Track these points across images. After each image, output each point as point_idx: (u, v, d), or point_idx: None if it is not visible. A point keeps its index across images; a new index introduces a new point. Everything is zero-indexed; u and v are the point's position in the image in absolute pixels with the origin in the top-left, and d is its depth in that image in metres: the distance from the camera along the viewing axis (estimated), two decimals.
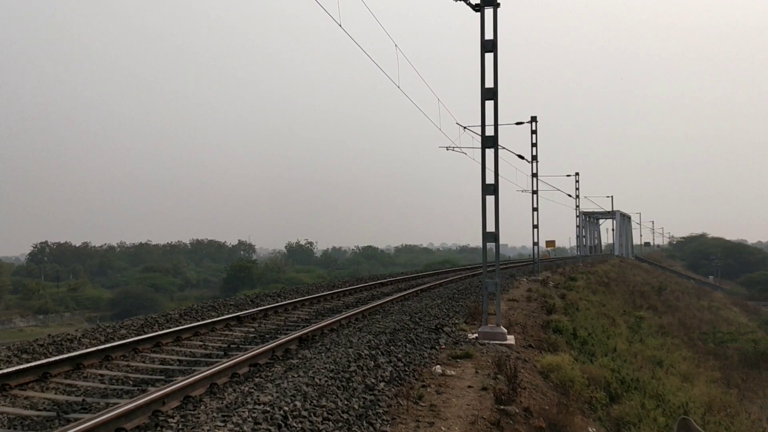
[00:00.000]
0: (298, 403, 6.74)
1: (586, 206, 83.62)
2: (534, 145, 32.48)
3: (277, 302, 17.05)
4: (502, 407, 8.16)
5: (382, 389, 8.00)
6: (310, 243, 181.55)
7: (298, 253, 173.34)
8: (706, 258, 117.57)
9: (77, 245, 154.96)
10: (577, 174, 52.83)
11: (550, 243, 47.71)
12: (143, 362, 9.59)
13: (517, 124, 31.10)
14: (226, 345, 11.10)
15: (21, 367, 8.05)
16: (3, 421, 6.54)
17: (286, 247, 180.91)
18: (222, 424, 5.97)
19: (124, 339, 10.76)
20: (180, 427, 6.17)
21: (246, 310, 15.07)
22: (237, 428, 5.84)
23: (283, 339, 10.44)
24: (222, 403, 7.00)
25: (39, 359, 9.03)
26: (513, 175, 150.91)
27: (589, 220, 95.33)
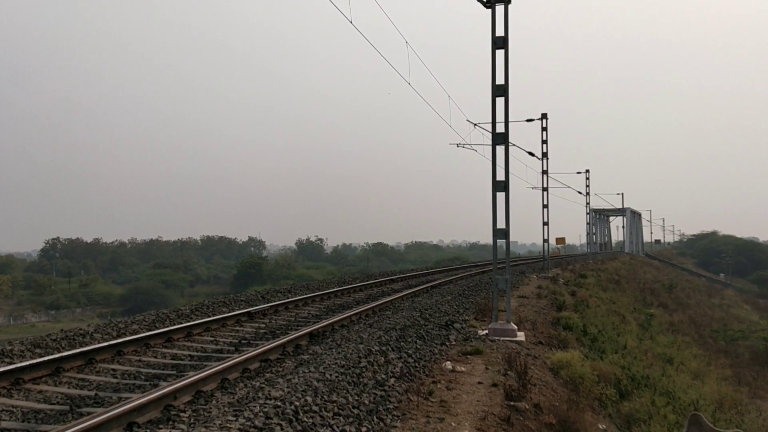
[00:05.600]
0: (309, 399, 6.76)
1: (597, 203, 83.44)
2: (544, 142, 32.39)
3: (288, 298, 17.10)
4: (512, 403, 8.16)
5: (393, 385, 8.01)
6: (320, 240, 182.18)
7: (308, 249, 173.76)
8: (717, 255, 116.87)
9: (88, 241, 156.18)
10: (587, 171, 52.67)
11: (560, 240, 47.60)
12: (155, 357, 9.65)
13: (528, 121, 31.02)
14: (237, 340, 11.15)
15: (34, 361, 8.12)
16: (17, 415, 6.60)
17: (296, 243, 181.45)
18: (233, 419, 6.00)
19: (135, 334, 10.82)
20: (192, 421, 6.21)
21: (256, 306, 15.12)
22: (248, 423, 5.86)
23: (293, 335, 10.47)
24: (233, 397, 7.03)
25: (52, 354, 9.10)
26: (523, 172, 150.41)
27: (599, 217, 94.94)
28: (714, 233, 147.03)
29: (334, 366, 8.34)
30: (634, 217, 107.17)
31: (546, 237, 34.55)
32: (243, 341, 11.08)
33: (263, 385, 7.49)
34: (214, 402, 6.91)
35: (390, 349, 9.93)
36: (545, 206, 33.49)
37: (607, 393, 11.41)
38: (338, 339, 10.84)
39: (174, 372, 8.62)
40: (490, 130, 12.94)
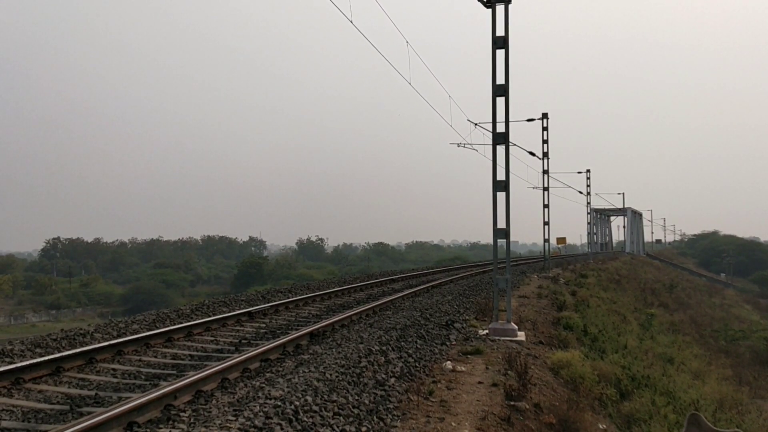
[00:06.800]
0: (309, 398, 6.76)
1: (598, 203, 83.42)
2: (545, 141, 32.40)
3: (288, 298, 17.09)
4: (512, 403, 8.16)
5: (393, 385, 8.01)
6: (321, 239, 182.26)
7: (309, 249, 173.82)
8: (718, 255, 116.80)
9: (89, 241, 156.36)
10: (588, 171, 52.67)
11: (561, 240, 47.61)
12: (155, 357, 9.65)
13: (528, 120, 31.03)
14: (237, 340, 11.15)
15: (34, 361, 8.12)
16: (17, 415, 6.60)
17: (297, 243, 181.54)
18: (233, 419, 6.00)
19: (136, 334, 10.82)
20: (192, 421, 6.21)
21: (257, 305, 15.12)
22: (248, 422, 5.87)
23: (294, 334, 10.47)
24: (233, 397, 7.03)
25: (52, 353, 9.11)
26: (524, 172, 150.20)
27: (600, 217, 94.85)
28: (715, 233, 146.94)
29: (334, 366, 8.34)
30: (635, 217, 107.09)
31: (547, 237, 34.57)
32: (243, 341, 11.08)
33: (263, 385, 7.49)
34: (214, 402, 6.91)
35: (390, 348, 9.93)
36: (546, 206, 33.50)
37: (608, 393, 11.41)
38: (338, 339, 10.84)
39: (174, 372, 8.62)
40: (491, 129, 12.95)
